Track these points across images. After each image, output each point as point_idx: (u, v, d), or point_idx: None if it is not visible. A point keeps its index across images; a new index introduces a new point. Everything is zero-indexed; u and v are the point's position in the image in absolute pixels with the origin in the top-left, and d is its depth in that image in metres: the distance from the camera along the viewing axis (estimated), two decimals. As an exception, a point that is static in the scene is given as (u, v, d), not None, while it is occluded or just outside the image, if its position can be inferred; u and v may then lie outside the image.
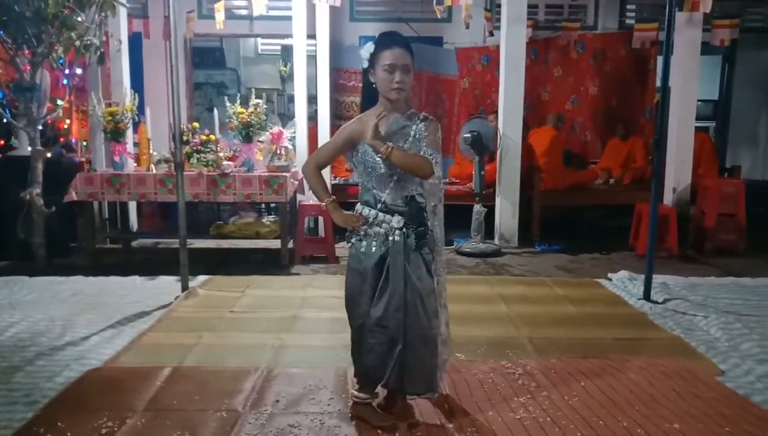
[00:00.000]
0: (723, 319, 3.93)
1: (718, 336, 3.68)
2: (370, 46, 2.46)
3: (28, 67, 5.17)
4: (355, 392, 2.60)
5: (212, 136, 5.58)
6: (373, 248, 2.45)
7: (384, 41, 2.43)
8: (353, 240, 2.52)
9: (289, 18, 6.27)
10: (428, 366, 2.49)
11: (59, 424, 2.57)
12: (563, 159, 7.02)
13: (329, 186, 6.13)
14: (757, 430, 2.55)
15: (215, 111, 5.86)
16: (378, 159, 2.40)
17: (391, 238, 2.43)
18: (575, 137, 7.93)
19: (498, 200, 6.32)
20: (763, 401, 2.83)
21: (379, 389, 2.61)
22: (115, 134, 5.42)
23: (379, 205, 2.46)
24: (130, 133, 5.72)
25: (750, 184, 6.59)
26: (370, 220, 2.46)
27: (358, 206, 2.52)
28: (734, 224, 5.97)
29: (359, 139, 2.45)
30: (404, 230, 2.43)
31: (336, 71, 6.94)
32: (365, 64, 2.48)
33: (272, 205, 6.89)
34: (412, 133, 2.45)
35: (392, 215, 2.44)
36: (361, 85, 7.08)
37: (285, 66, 9.62)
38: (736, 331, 3.73)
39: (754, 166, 8.73)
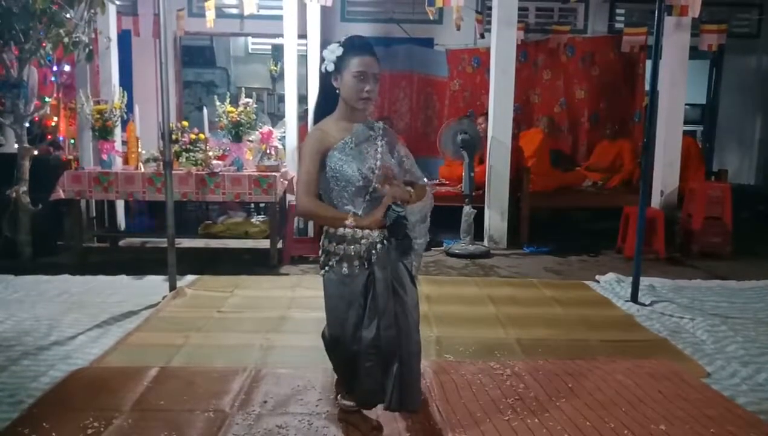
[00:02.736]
0: (709, 321, 3.97)
1: (704, 338, 3.72)
2: (335, 48, 2.29)
3: (15, 64, 5.13)
4: (343, 400, 2.54)
5: (201, 135, 5.57)
6: (357, 269, 2.29)
7: (356, 46, 2.29)
8: (331, 263, 2.32)
9: (279, 17, 6.26)
10: (419, 380, 2.43)
11: (44, 424, 2.55)
12: (551, 160, 7.06)
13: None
14: (742, 432, 2.57)
15: (205, 110, 5.84)
16: (352, 172, 2.25)
17: (374, 252, 2.29)
18: (563, 140, 7.97)
19: (487, 202, 6.33)
20: (747, 402, 2.86)
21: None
22: (104, 132, 5.38)
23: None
24: (118, 131, 5.68)
25: (736, 187, 6.65)
26: (348, 237, 2.29)
27: (330, 229, 2.35)
28: (720, 227, 6.02)
29: (327, 151, 2.28)
30: (385, 242, 2.31)
31: (326, 71, 6.93)
32: (330, 67, 2.30)
33: (261, 204, 6.87)
34: (380, 142, 2.34)
35: (371, 229, 2.29)
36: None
37: (275, 65, 9.60)
38: (721, 333, 3.77)
39: (740, 170, 8.81)
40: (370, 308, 2.29)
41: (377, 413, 2.64)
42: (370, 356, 2.29)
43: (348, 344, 2.33)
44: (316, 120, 2.41)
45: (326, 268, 2.36)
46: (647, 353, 3.48)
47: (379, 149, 2.33)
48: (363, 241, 2.30)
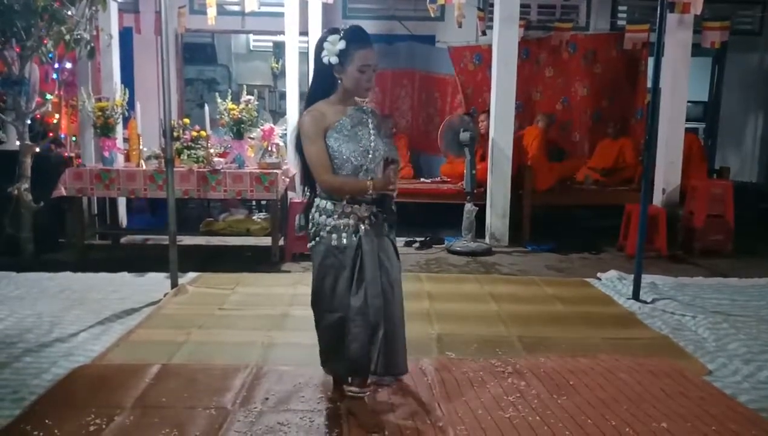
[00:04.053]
0: (711, 319, 3.97)
1: (706, 336, 3.71)
2: (338, 41, 2.36)
3: (17, 61, 5.12)
4: (350, 388, 2.60)
5: (203, 133, 5.56)
6: (344, 240, 2.45)
7: (360, 39, 2.39)
8: (322, 234, 2.48)
9: (281, 14, 6.26)
10: (403, 346, 2.57)
11: (47, 421, 2.55)
12: (549, 154, 7.07)
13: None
14: (743, 429, 2.57)
15: (206, 107, 5.84)
16: (350, 152, 2.41)
17: (362, 226, 2.46)
18: (565, 137, 7.95)
19: (489, 199, 6.33)
20: (749, 400, 2.86)
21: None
22: (105, 129, 5.38)
23: (347, 198, 2.46)
24: (119, 128, 5.68)
25: (738, 185, 6.64)
26: (339, 211, 2.46)
27: (321, 201, 2.51)
28: (722, 224, 6.01)
29: (326, 130, 2.43)
30: (372, 217, 2.48)
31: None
32: (333, 60, 2.38)
33: (263, 202, 6.87)
34: (370, 124, 2.49)
35: (359, 205, 2.46)
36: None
37: (277, 62, 9.60)
38: (723, 331, 3.77)
39: (742, 167, 8.79)
40: (358, 278, 2.44)
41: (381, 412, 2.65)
42: (357, 322, 2.44)
43: (334, 311, 2.50)
44: (310, 104, 2.51)
45: (317, 239, 2.51)
46: (649, 350, 3.47)
47: (372, 132, 2.49)
48: (352, 215, 2.46)
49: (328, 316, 2.53)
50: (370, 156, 2.45)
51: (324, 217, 2.48)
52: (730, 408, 2.77)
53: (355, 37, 2.38)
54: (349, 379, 2.61)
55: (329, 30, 2.44)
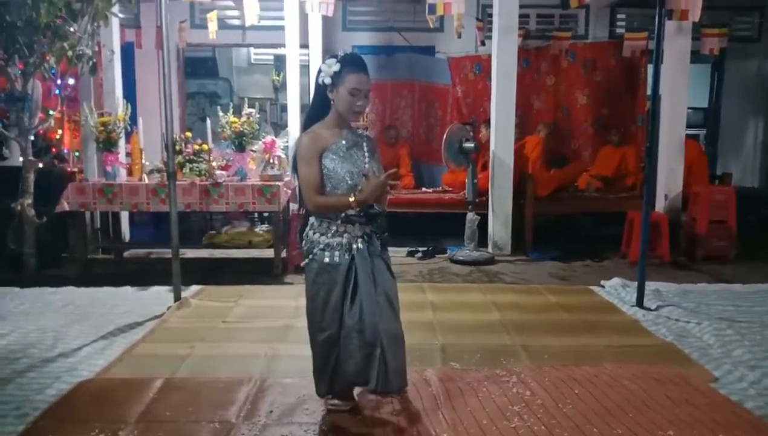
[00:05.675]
0: (715, 325, 3.95)
1: (711, 343, 3.70)
2: (333, 64, 2.49)
3: (20, 77, 5.16)
4: (333, 401, 2.67)
5: (205, 146, 5.58)
6: (337, 258, 2.51)
7: (352, 63, 2.50)
8: (315, 251, 2.54)
9: (281, 28, 6.29)
10: (401, 363, 2.59)
11: (50, 436, 2.55)
12: (551, 163, 7.07)
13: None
14: (750, 436, 2.56)
15: (208, 120, 5.86)
16: (344, 172, 2.49)
17: (354, 245, 2.52)
18: (566, 145, 7.96)
19: (491, 209, 6.33)
20: (755, 407, 2.85)
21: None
22: (108, 144, 5.41)
23: (341, 217, 2.52)
24: (122, 143, 5.71)
25: (740, 191, 6.63)
26: (332, 230, 2.53)
27: (315, 220, 2.58)
28: (725, 230, 6.00)
29: (322, 151, 2.52)
30: (365, 236, 2.54)
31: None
32: (327, 81, 2.50)
33: (265, 214, 6.87)
34: (365, 147, 2.61)
35: (353, 225, 2.53)
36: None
37: (278, 75, 9.64)
38: (728, 337, 3.75)
39: (743, 173, 8.79)
40: (353, 295, 2.50)
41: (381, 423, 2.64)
42: (353, 339, 2.49)
43: (324, 330, 2.55)
44: (307, 126, 2.61)
45: (310, 256, 2.57)
46: (653, 358, 3.46)
47: (366, 154, 2.60)
48: (345, 234, 2.54)
49: (319, 335, 2.57)
50: (366, 178, 2.51)
51: (318, 235, 2.55)
52: (736, 415, 2.75)
53: (350, 62, 2.50)
54: (330, 394, 2.68)
55: (330, 55, 2.57)
